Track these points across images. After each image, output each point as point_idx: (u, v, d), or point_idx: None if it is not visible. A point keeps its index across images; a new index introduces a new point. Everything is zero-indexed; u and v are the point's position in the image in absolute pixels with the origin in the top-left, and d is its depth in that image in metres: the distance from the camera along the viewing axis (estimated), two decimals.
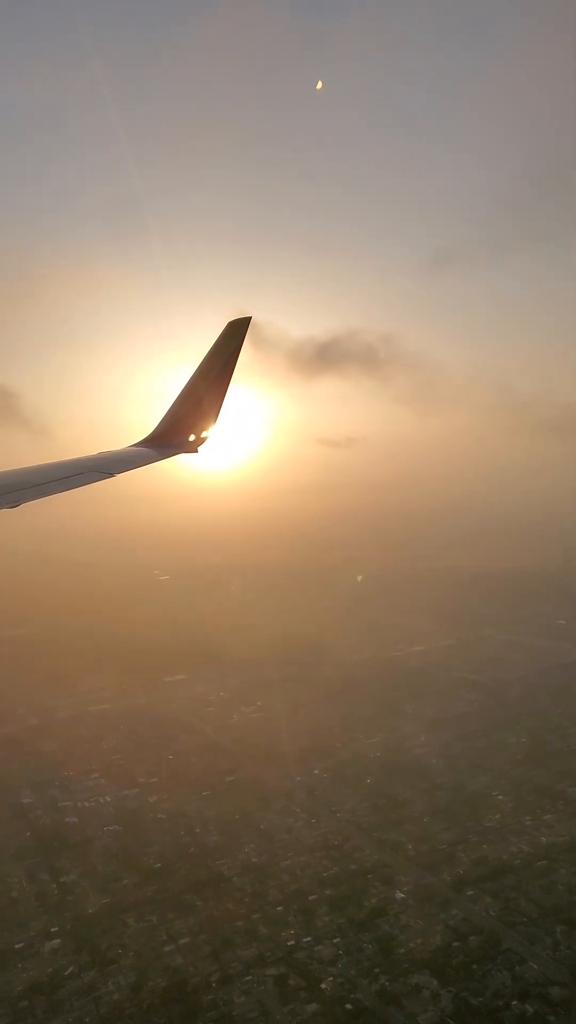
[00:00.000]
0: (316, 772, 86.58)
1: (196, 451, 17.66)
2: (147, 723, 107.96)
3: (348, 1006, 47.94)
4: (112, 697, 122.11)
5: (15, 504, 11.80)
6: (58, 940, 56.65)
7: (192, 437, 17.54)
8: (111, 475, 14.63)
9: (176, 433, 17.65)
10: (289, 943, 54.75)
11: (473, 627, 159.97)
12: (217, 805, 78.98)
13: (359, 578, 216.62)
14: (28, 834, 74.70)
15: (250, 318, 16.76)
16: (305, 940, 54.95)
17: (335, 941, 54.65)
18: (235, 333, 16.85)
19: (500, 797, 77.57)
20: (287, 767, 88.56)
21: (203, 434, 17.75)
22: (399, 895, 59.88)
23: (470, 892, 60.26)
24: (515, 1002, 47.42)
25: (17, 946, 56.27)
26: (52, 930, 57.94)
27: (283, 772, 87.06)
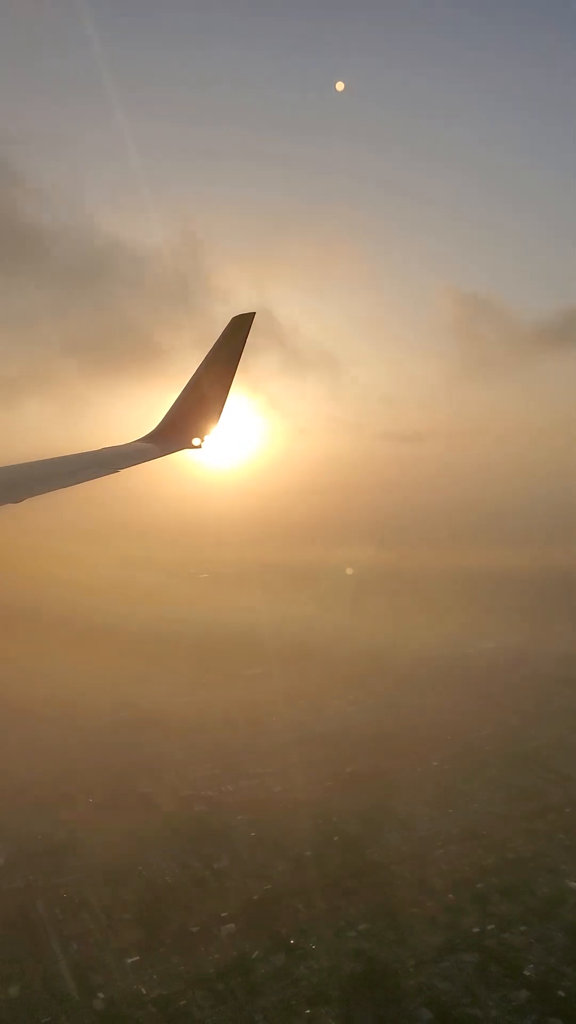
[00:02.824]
0: (435, 764, 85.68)
1: (200, 447, 17.47)
2: (240, 715, 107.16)
3: (560, 992, 47.03)
4: (192, 690, 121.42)
5: (19, 500, 11.65)
6: (232, 924, 55.95)
7: (197, 441, 17.34)
8: (114, 470, 14.49)
9: (179, 429, 17.43)
10: (474, 930, 53.92)
11: (541, 624, 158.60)
12: (345, 795, 78.13)
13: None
14: (159, 822, 73.99)
15: (254, 314, 16.30)
16: (489, 928, 54.14)
17: (522, 929, 53.78)
18: (239, 329, 16.41)
19: None
20: (402, 758, 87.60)
21: (205, 436, 17.57)
22: (573, 884, 58.91)
23: None
24: None
25: (193, 929, 55.64)
26: (223, 915, 57.26)
27: (400, 763, 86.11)
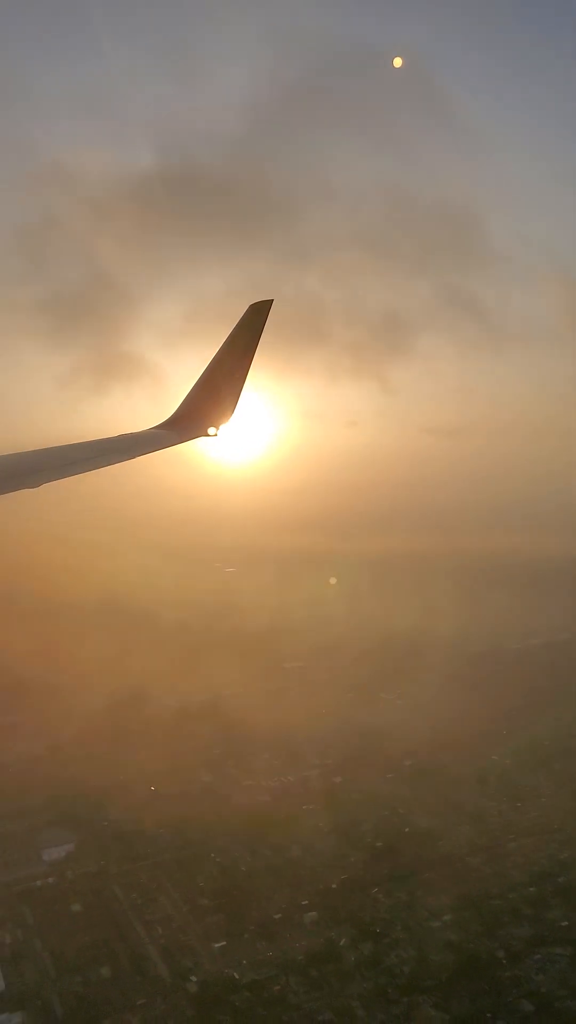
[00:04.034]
0: (495, 758, 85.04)
1: (215, 435, 17.42)
2: (289, 707, 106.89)
3: None
4: (239, 681, 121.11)
5: (36, 485, 11.74)
6: (314, 912, 55.79)
7: (213, 430, 17.28)
8: (130, 457, 14.59)
9: (195, 417, 17.36)
10: (562, 923, 53.39)
11: None
12: (408, 787, 77.78)
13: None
14: (226, 811, 73.95)
15: (271, 301, 16.13)
16: None
17: None
18: (256, 316, 16.24)
19: None
20: (461, 752, 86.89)
21: (221, 424, 17.54)
22: None
23: None
24: None
25: (275, 916, 55.53)
26: (303, 903, 57.10)
27: (459, 757, 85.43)
